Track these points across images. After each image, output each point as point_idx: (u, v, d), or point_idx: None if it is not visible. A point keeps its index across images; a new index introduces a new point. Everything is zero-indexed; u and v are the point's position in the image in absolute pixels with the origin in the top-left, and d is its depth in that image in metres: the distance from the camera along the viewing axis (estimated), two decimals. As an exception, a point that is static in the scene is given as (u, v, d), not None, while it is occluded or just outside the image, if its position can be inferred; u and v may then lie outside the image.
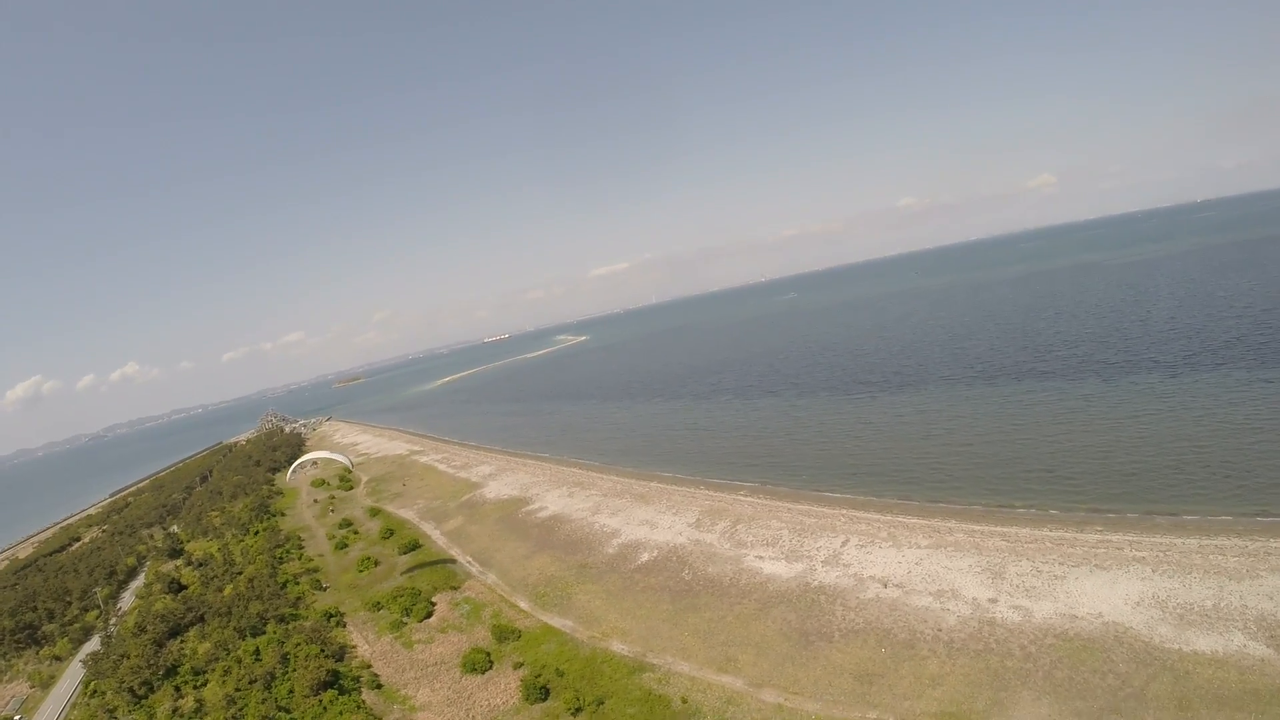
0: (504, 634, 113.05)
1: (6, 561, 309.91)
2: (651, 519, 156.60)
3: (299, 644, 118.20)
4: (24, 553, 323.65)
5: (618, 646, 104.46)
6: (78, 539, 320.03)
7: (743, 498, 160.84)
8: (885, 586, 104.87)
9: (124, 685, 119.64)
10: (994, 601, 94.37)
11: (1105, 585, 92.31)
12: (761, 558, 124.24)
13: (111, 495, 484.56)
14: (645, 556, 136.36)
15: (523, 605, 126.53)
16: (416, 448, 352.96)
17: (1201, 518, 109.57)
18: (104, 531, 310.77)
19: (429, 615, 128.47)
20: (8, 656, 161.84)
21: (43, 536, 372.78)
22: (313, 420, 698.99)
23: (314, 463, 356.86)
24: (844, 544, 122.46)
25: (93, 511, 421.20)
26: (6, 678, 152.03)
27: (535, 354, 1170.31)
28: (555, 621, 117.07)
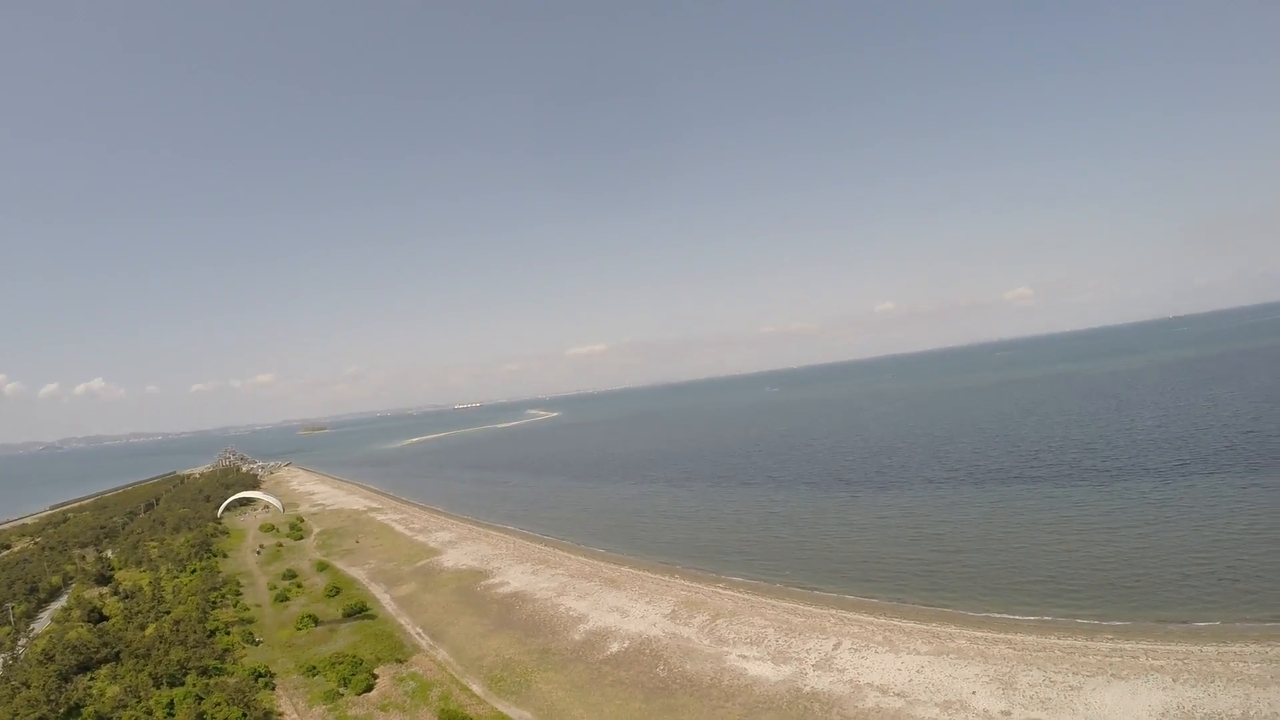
0: (452, 718, 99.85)
1: None
2: (623, 606, 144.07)
3: (219, 703, 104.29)
4: None
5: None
6: (8, 547, 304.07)
7: (722, 590, 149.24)
8: (886, 695, 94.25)
9: (18, 718, 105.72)
10: (1007, 715, 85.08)
11: (1126, 695, 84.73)
12: (745, 657, 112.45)
13: (52, 508, 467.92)
14: (615, 647, 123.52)
15: (475, 689, 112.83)
16: (375, 505, 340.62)
17: (1217, 624, 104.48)
18: (35, 544, 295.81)
19: (369, 689, 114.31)
20: None
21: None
22: (271, 463, 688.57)
23: (246, 502, 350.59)
24: (836, 647, 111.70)
25: (29, 521, 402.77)
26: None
27: (506, 424, 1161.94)
28: (512, 712, 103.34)
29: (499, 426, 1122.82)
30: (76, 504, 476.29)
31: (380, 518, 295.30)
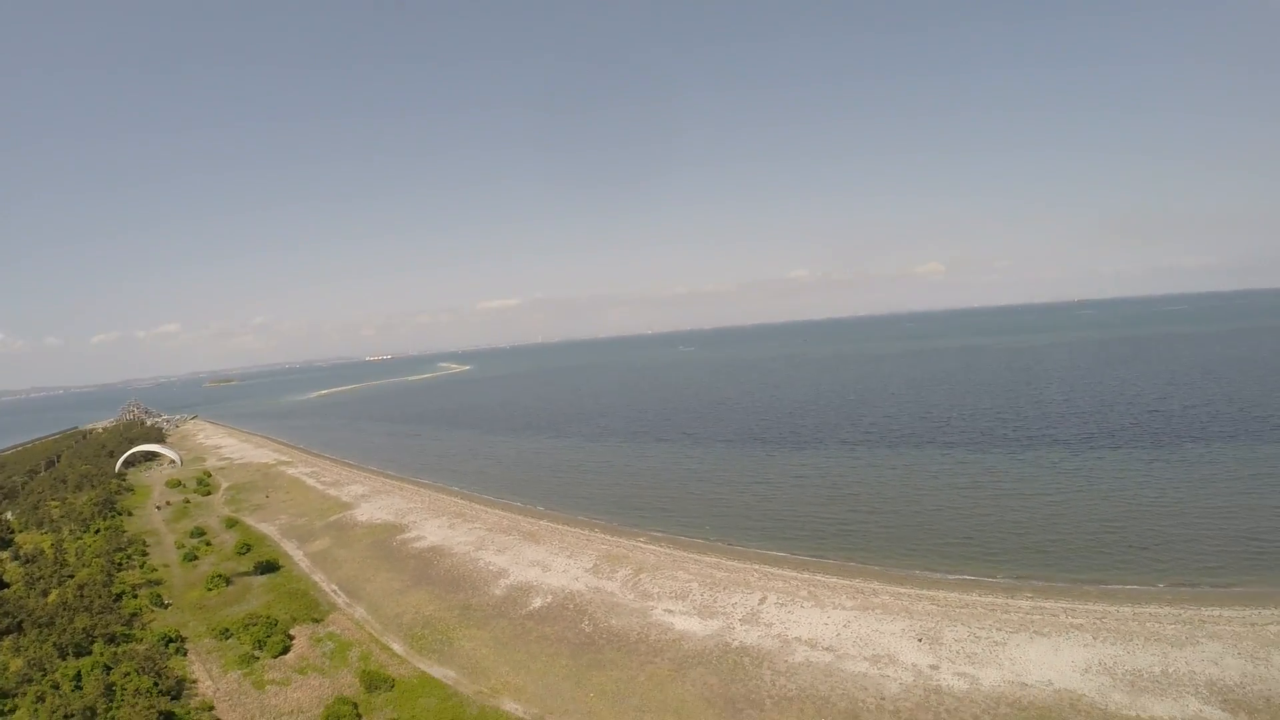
0: (375, 682, 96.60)
1: None
2: (543, 560, 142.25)
3: (129, 674, 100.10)
4: None
5: (510, 706, 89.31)
6: None
7: (643, 544, 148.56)
8: (815, 649, 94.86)
9: None
10: (936, 668, 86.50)
11: (1049, 652, 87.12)
12: (671, 611, 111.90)
13: None
14: (538, 602, 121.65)
15: (396, 648, 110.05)
16: (285, 458, 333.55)
17: (1131, 587, 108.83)
18: None
19: (285, 651, 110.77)
20: None
21: None
22: (177, 417, 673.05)
23: (151, 456, 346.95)
24: (762, 601, 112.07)
25: None
26: None
27: (417, 377, 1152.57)
28: (435, 671, 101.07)
29: (410, 379, 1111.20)
30: None
31: (290, 471, 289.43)
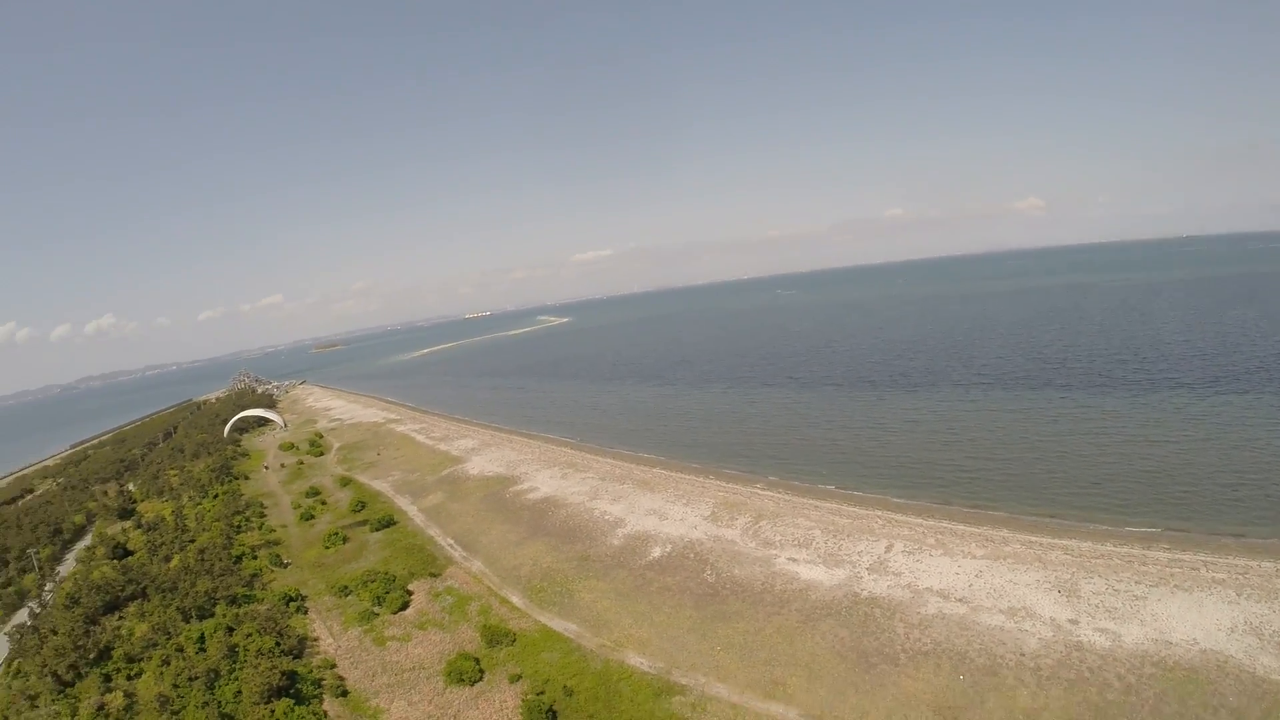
0: (495, 636, 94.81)
1: None
2: (659, 509, 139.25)
3: (251, 634, 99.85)
4: None
5: (636, 660, 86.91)
6: (31, 490, 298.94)
7: (761, 491, 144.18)
8: (947, 600, 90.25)
9: (47, 668, 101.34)
10: (1075, 623, 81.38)
11: (1191, 608, 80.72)
12: (795, 560, 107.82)
13: (72, 446, 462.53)
14: (657, 551, 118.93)
15: (515, 601, 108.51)
16: (393, 416, 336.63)
17: (1273, 541, 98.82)
18: (57, 485, 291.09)
19: (405, 606, 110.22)
20: None
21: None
22: (286, 383, 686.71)
23: (264, 422, 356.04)
24: (888, 549, 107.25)
25: (50, 463, 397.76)
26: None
27: (517, 331, 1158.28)
28: (556, 624, 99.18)
29: (511, 334, 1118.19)
30: (96, 440, 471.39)
31: (400, 428, 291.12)
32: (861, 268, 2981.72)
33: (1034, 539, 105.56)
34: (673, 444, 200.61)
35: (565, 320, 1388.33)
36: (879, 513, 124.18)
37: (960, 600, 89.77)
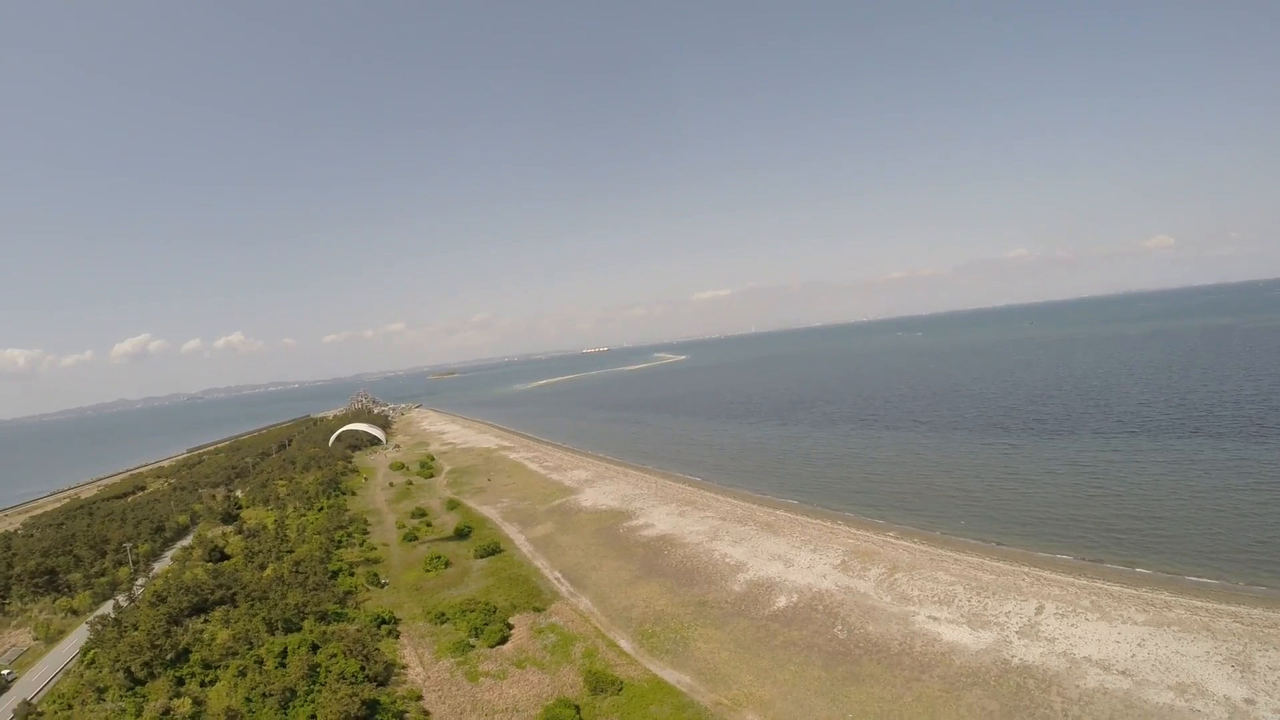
0: (600, 683, 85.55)
1: (67, 499, 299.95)
2: (784, 554, 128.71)
3: (335, 655, 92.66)
4: (88, 494, 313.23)
5: (756, 721, 76.68)
6: (143, 488, 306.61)
7: (893, 540, 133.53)
8: (1108, 673, 79.75)
9: (120, 663, 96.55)
10: (1252, 703, 72.16)
11: None
12: (936, 619, 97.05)
13: (189, 451, 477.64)
14: (782, 601, 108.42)
15: (624, 645, 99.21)
16: (506, 443, 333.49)
17: None
18: (168, 485, 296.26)
19: (503, 640, 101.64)
20: (24, 599, 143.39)
21: (111, 481, 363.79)
22: (402, 405, 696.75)
23: (375, 441, 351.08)
24: (1039, 611, 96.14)
25: (165, 464, 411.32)
26: (16, 623, 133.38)
27: (635, 367, 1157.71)
28: (668, 674, 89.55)
29: (628, 369, 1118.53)
30: (212, 446, 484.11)
31: (512, 455, 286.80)
32: (986, 310, 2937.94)
33: (1199, 604, 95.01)
34: (795, 486, 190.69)
35: (682, 358, 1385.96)
36: (1025, 569, 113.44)
37: (1123, 673, 79.71)
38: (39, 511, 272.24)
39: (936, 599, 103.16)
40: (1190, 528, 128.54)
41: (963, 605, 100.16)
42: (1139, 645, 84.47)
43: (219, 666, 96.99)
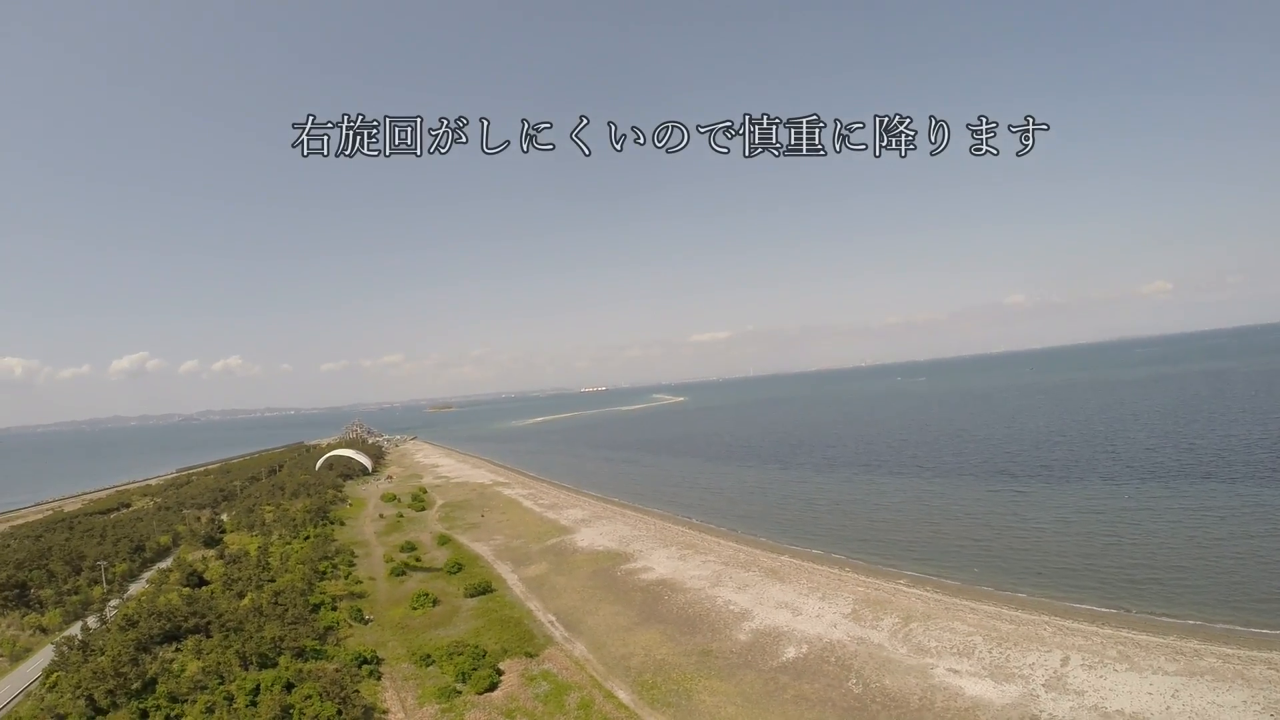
0: (597, 738, 79.19)
1: (50, 511, 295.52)
2: (792, 602, 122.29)
3: (310, 697, 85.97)
4: (72, 507, 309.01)
5: (768, 788, 70.36)
6: (128, 505, 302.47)
7: (904, 588, 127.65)
8: None
9: (82, 689, 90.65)
10: None
11: None
12: (957, 671, 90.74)
13: (178, 470, 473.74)
14: (791, 652, 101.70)
15: (622, 697, 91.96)
16: (501, 479, 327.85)
17: None
18: (154, 504, 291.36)
19: (492, 687, 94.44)
20: None
21: (96, 496, 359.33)
22: (397, 436, 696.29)
23: (368, 474, 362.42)
24: (1064, 662, 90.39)
25: (153, 482, 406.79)
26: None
27: (632, 407, 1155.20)
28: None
29: (626, 409, 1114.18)
30: (202, 468, 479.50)
31: (507, 492, 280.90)
32: (984, 356, 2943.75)
33: (1230, 651, 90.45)
34: (799, 532, 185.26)
35: (680, 399, 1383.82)
36: (1045, 618, 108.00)
37: None
38: (20, 522, 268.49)
39: (955, 650, 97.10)
40: (1212, 575, 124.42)
41: (983, 657, 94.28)
42: (1173, 696, 79.54)
43: (186, 701, 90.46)
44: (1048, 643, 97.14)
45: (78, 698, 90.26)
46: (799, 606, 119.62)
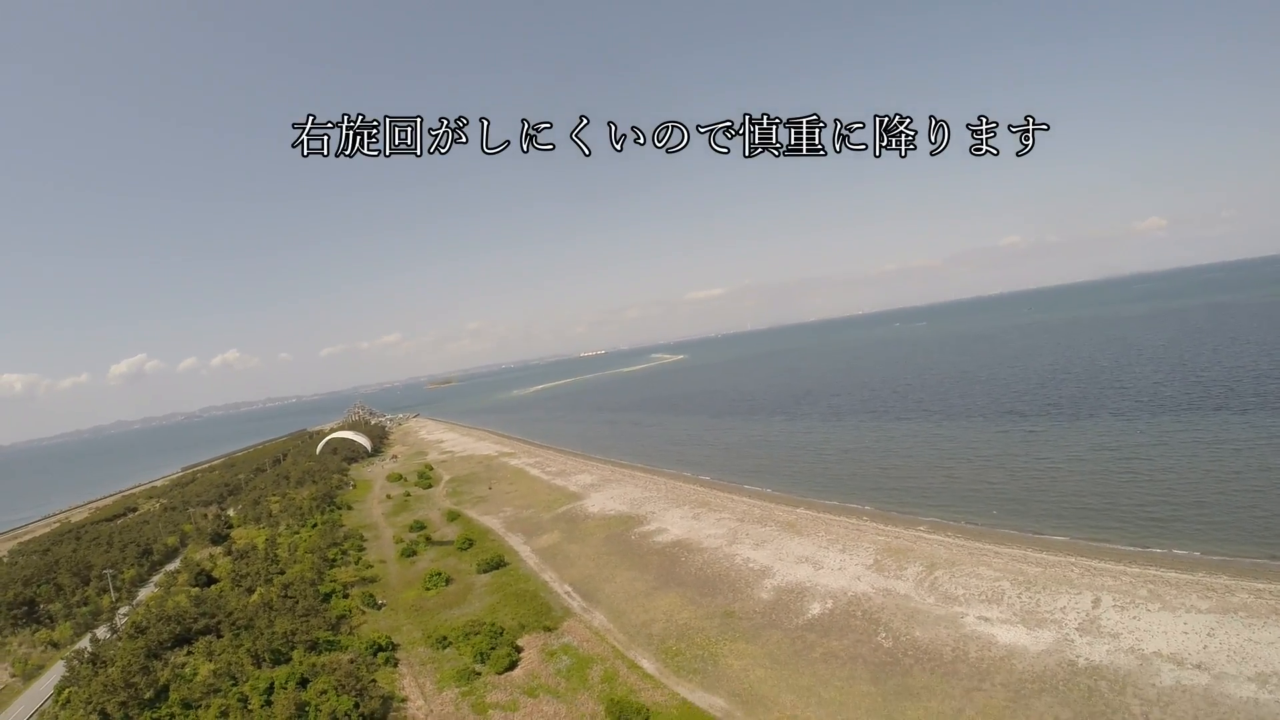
0: (624, 711, 75.86)
1: (58, 524, 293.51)
2: (812, 556, 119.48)
3: (326, 691, 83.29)
4: (79, 517, 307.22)
5: (807, 754, 67.76)
6: (134, 509, 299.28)
7: (925, 534, 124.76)
8: (1182, 668, 72.70)
9: (94, 704, 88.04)
10: None
11: None
12: (987, 619, 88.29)
13: (183, 469, 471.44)
14: (816, 608, 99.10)
15: (647, 666, 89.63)
16: (506, 449, 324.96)
17: None
18: (159, 506, 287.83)
19: (512, 666, 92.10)
20: (2, 632, 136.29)
21: (102, 503, 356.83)
22: (400, 415, 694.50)
23: (374, 451, 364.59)
24: (1095, 604, 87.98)
25: (159, 484, 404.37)
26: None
27: (633, 368, 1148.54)
28: (699, 698, 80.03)
29: (626, 370, 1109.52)
30: (206, 465, 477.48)
31: (513, 462, 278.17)
32: (982, 299, 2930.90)
33: (1262, 586, 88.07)
34: (811, 483, 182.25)
35: (680, 358, 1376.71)
36: (1071, 559, 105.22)
37: (1198, 667, 72.52)
38: (29, 537, 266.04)
39: (984, 597, 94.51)
40: (1234, 510, 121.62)
41: (1013, 603, 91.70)
42: (1209, 635, 77.36)
43: (199, 706, 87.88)
44: (1076, 584, 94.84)
45: (90, 712, 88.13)
46: (820, 560, 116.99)
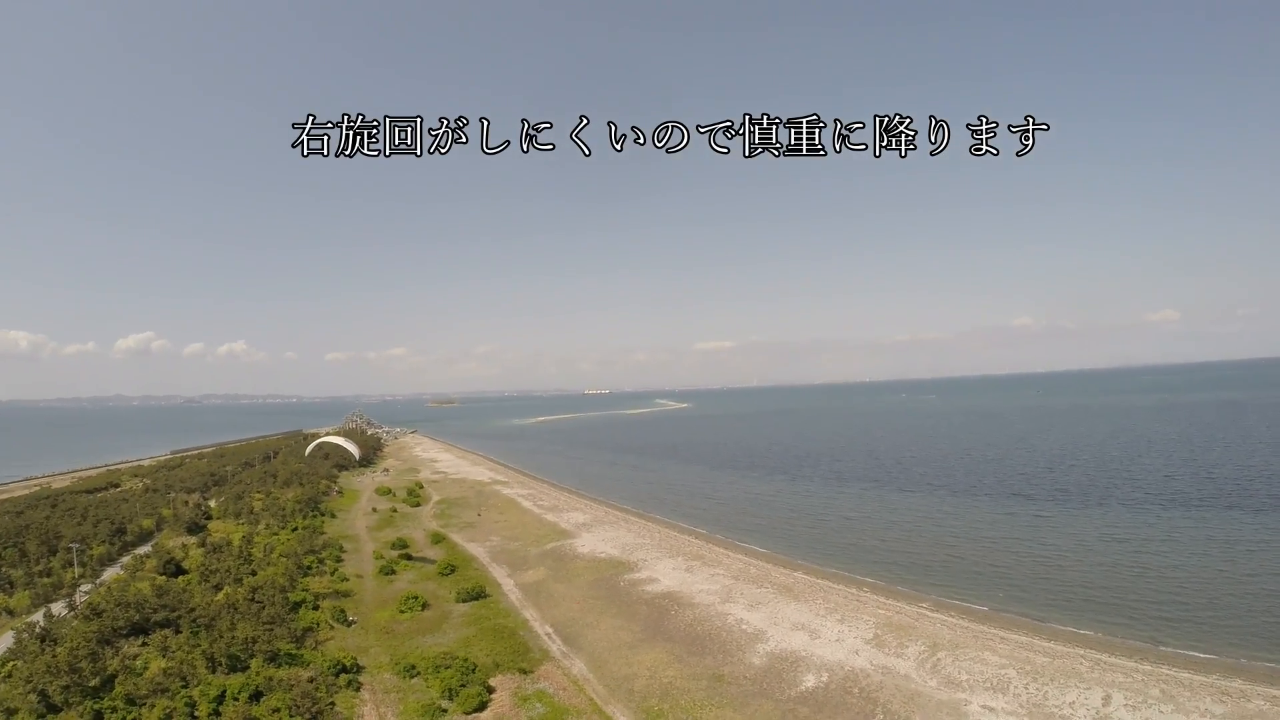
0: (596, 774, 70.84)
1: (38, 487, 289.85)
2: (809, 623, 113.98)
3: (278, 710, 77.73)
4: (60, 484, 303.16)
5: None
6: (117, 485, 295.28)
7: (928, 612, 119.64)
8: None
9: (34, 683, 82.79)
10: None
11: None
12: (992, 710, 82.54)
13: (172, 452, 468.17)
14: (811, 680, 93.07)
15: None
16: (500, 477, 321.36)
17: None
18: (142, 485, 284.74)
19: (481, 707, 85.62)
20: None
21: (87, 474, 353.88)
22: (397, 429, 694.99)
23: (365, 461, 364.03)
24: (1106, 701, 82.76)
25: (146, 463, 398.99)
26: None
27: (636, 411, 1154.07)
28: (679, 771, 74.49)
29: (630, 412, 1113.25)
30: (196, 451, 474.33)
31: (506, 491, 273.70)
32: (991, 377, 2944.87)
33: (1278, 692, 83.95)
34: (811, 547, 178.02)
35: (684, 406, 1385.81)
36: (1079, 651, 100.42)
37: None
38: (5, 496, 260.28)
39: (989, 685, 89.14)
40: (1249, 613, 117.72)
41: (1020, 694, 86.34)
42: (1229, 747, 71.69)
43: (144, 704, 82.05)
44: (1086, 679, 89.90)
45: (29, 692, 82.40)
46: (816, 629, 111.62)
